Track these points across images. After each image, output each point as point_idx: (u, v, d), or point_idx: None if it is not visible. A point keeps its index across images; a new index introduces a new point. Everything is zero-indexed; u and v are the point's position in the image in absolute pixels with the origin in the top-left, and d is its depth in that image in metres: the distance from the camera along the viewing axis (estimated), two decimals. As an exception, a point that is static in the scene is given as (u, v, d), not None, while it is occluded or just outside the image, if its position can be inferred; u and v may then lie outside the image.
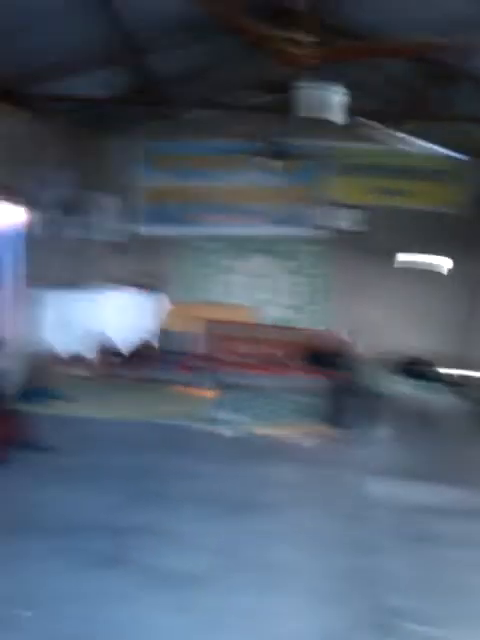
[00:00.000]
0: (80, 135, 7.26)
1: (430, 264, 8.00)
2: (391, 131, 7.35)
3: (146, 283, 6.89)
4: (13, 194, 5.75)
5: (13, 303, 5.88)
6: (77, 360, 6.30)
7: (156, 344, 6.83)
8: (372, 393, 5.71)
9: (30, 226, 6.09)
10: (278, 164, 7.16)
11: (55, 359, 6.33)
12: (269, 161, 7.02)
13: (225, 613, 2.70)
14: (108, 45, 4.72)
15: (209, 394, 6.09)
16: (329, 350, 6.24)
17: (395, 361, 7.24)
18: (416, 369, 7.22)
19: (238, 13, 3.10)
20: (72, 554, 3.13)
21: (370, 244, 7.62)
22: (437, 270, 8.03)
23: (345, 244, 7.68)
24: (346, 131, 6.09)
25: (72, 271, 7.30)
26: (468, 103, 5.63)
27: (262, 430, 5.10)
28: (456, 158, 7.69)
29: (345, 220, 7.65)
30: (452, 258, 7.91)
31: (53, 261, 6.82)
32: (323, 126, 4.89)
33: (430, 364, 7.36)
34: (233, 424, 5.21)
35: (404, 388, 6.81)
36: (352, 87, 4.43)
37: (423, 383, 6.98)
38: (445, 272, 8.02)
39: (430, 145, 7.59)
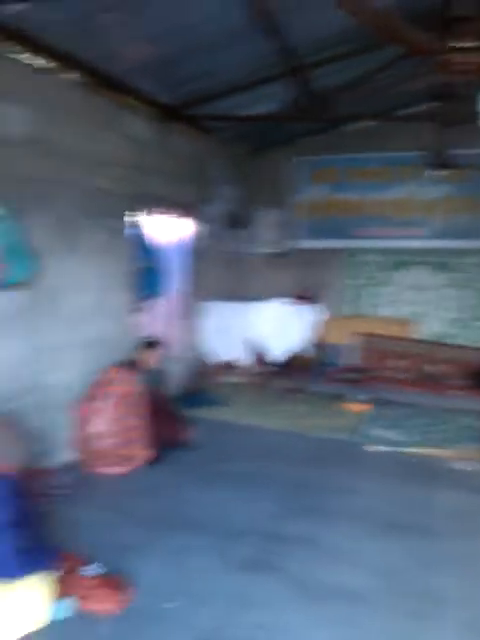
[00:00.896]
0: (243, 151, 7.54)
1: None
2: None
3: (304, 295, 6.93)
4: (186, 209, 6.10)
5: (178, 311, 6.22)
6: (234, 368, 6.49)
7: (312, 356, 6.82)
8: None
9: (196, 239, 6.41)
10: (442, 174, 6.90)
11: (213, 366, 6.58)
12: (434, 172, 6.77)
13: (380, 634, 2.61)
14: (272, 63, 4.83)
15: (364, 409, 5.94)
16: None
17: None
18: None
19: (401, 25, 3.00)
20: (222, 555, 3.23)
21: None
22: None
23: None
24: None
25: (233, 282, 7.57)
26: None
27: (419, 450, 4.86)
28: None
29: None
30: None
31: (216, 273, 7.12)
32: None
33: None
34: (388, 441, 5.03)
35: None
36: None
37: None
38: None
39: None
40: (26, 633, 2.56)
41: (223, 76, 5.07)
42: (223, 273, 7.36)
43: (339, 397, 6.23)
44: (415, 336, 7.37)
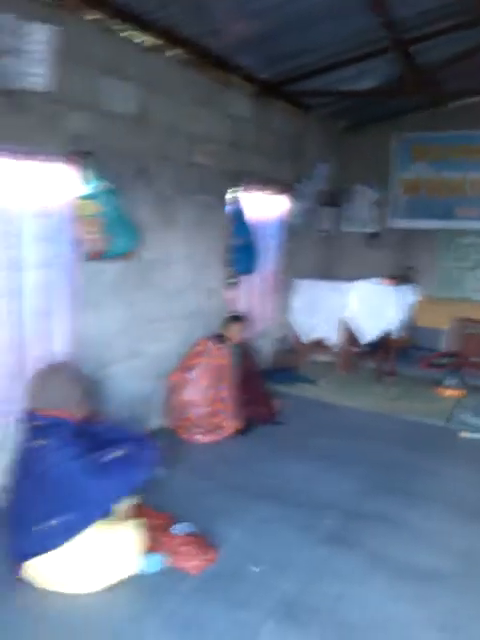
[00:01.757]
0: (340, 128, 7.41)
1: None
2: None
3: (398, 276, 6.77)
4: (283, 187, 6.11)
5: (271, 288, 6.27)
6: (325, 347, 6.47)
7: (405, 338, 6.67)
8: None
9: (291, 217, 6.41)
10: None
11: (302, 344, 6.60)
12: None
13: (456, 614, 2.60)
14: (375, 38, 4.71)
15: (458, 395, 5.77)
16: None
17: None
18: None
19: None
20: (305, 527, 3.30)
21: None
22: None
23: None
24: None
25: (327, 261, 7.52)
26: None
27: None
28: None
29: None
30: None
31: (310, 251, 7.10)
32: None
33: None
34: (478, 428, 4.89)
35: None
36: None
37: None
38: None
39: None
40: (117, 580, 2.74)
41: (324, 51, 4.99)
42: (317, 251, 7.33)
43: (432, 382, 6.08)
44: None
